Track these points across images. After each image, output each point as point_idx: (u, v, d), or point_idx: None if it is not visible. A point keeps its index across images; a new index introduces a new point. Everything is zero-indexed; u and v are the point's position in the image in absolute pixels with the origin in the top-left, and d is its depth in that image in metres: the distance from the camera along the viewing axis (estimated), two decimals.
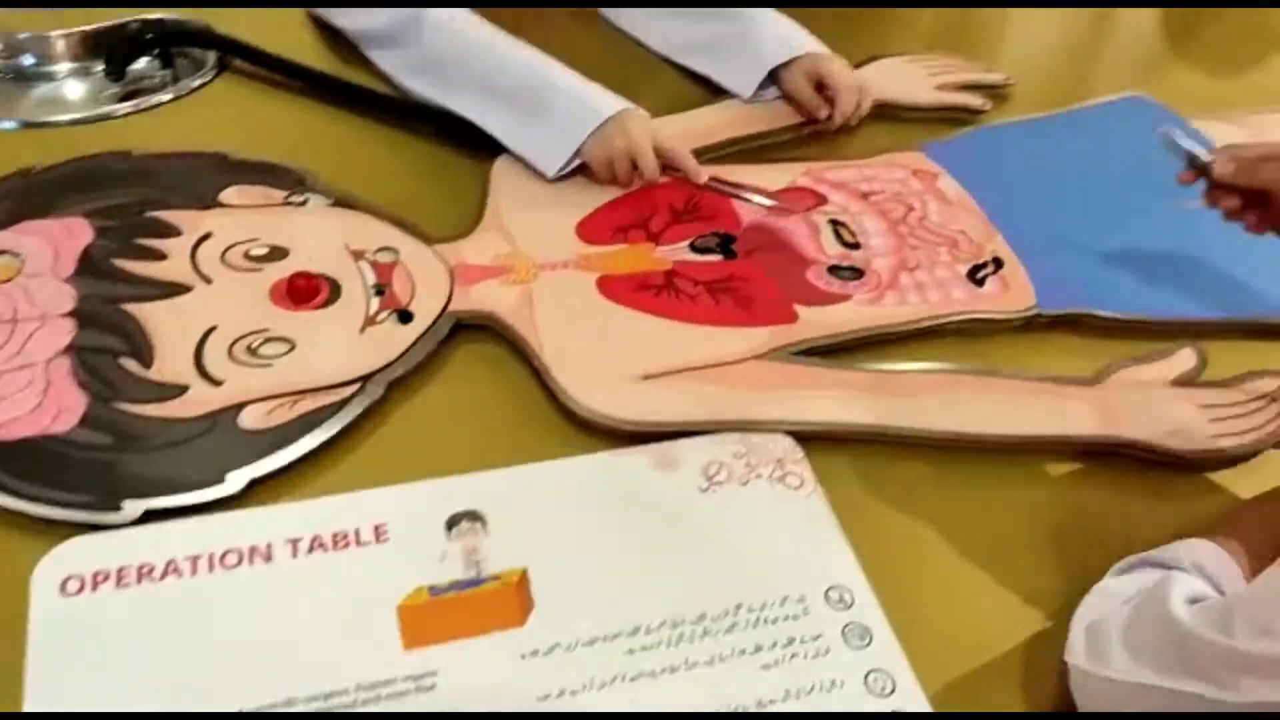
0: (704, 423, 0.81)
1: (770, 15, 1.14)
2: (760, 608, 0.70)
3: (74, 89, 1.11)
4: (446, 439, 0.80)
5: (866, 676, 0.67)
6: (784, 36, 1.12)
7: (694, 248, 0.96)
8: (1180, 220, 1.02)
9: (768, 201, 1.00)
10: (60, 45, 1.12)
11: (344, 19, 1.13)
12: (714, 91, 1.14)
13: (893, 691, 0.67)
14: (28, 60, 1.12)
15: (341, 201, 0.95)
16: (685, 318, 0.89)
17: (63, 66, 1.12)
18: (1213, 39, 1.42)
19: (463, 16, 1.05)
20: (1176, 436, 0.83)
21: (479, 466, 0.77)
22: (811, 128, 1.11)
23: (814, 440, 0.81)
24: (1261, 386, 0.88)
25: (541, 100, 0.98)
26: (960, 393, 0.85)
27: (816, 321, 0.90)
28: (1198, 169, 0.81)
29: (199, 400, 0.78)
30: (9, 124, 1.03)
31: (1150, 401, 0.86)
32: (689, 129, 1.07)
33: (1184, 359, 0.90)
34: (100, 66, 1.12)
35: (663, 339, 0.87)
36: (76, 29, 1.12)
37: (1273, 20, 1.45)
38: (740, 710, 0.65)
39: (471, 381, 0.84)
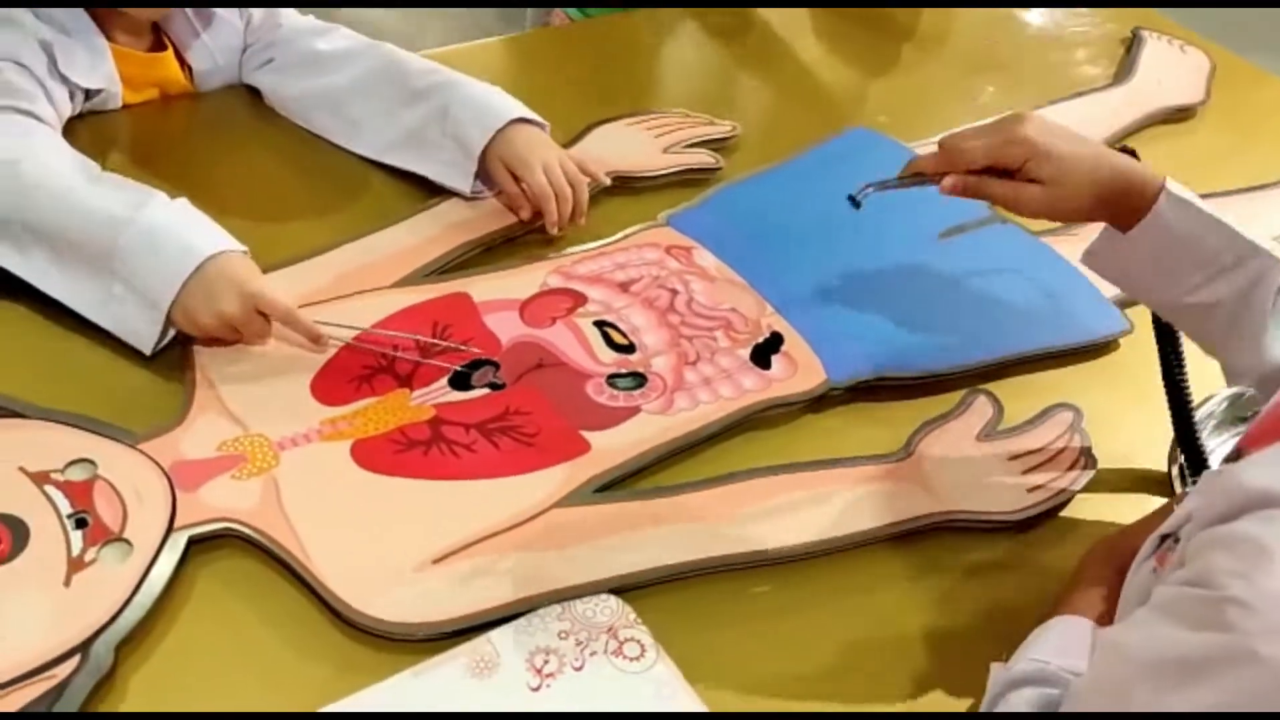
0: (514, 603, 0.69)
1: (470, 86, 1.01)
2: None
3: None
4: (207, 702, 0.64)
5: None
6: (483, 109, 0.99)
7: (455, 384, 0.84)
8: (941, 259, 1.01)
9: (392, 351, 0.85)
10: None
11: None
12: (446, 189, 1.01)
13: None
14: None
15: (4, 411, 0.76)
16: (465, 474, 0.77)
17: None
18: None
19: (25, 145, 0.84)
20: (998, 498, 0.80)
21: None
22: (526, 228, 1.00)
23: (638, 589, 0.71)
24: (1062, 420, 0.86)
25: (106, 258, 0.79)
26: (777, 500, 0.78)
27: (611, 447, 0.80)
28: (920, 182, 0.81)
29: None
30: None
31: (963, 465, 0.82)
32: (404, 249, 0.95)
33: (981, 409, 0.87)
34: None
35: (444, 508, 0.74)
36: None
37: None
38: None
39: (221, 615, 0.68)
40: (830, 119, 1.22)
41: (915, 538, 0.79)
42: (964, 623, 0.74)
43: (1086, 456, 0.84)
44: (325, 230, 0.96)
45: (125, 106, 1.00)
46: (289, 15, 1.09)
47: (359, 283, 0.91)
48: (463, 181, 0.99)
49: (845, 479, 0.81)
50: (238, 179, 1.01)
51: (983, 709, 0.65)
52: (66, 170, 0.84)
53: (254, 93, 1.09)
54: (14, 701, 0.61)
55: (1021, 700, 0.62)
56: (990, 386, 0.90)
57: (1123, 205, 0.76)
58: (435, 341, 0.86)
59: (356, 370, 0.83)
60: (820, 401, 0.88)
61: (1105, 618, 0.68)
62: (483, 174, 1.00)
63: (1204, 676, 0.49)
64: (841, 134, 1.18)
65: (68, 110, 0.95)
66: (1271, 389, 0.67)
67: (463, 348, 0.86)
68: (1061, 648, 0.65)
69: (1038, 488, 0.81)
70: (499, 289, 0.93)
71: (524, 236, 1.00)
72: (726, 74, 1.36)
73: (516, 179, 0.97)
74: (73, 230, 0.80)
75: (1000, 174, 0.78)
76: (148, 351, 0.80)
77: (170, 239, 0.80)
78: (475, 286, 0.93)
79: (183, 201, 0.83)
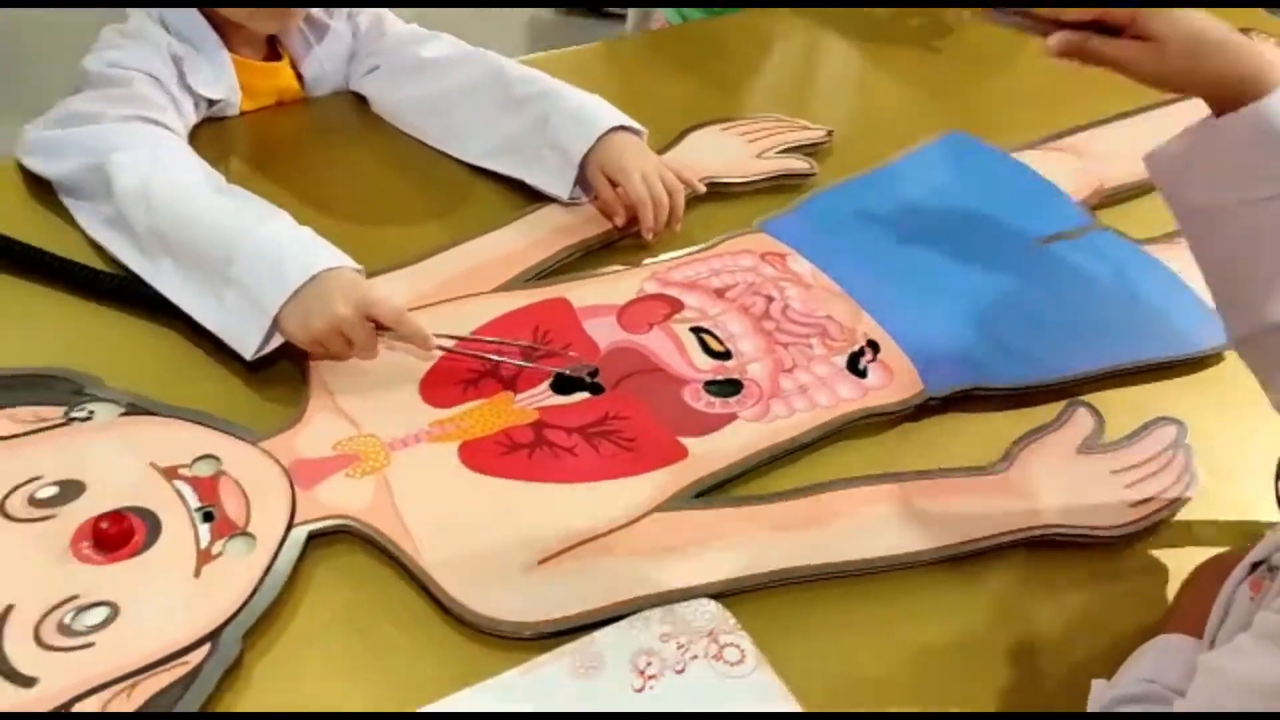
0: (618, 605, 0.71)
1: (570, 95, 1.04)
2: None
3: None
4: (325, 690, 0.67)
5: None
6: (582, 117, 1.01)
7: (556, 388, 0.86)
8: (1040, 267, 1.01)
9: (523, 363, 0.87)
10: None
11: (47, 166, 0.94)
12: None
13: None
14: None
15: (136, 408, 0.80)
16: (568, 477, 0.79)
17: None
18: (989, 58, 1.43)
19: (156, 159, 0.88)
20: (1098, 513, 0.80)
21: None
22: (622, 233, 1.01)
23: (735, 596, 0.73)
24: (1165, 435, 0.86)
25: (224, 266, 0.82)
26: (875, 509, 0.79)
27: (708, 454, 0.81)
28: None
29: (11, 713, 0.62)
30: None
31: (1063, 479, 0.82)
32: (505, 254, 0.97)
33: (1082, 421, 0.87)
34: None
35: (549, 510, 0.76)
36: None
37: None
38: None
39: (339, 607, 0.71)
40: (927, 124, 1.22)
41: (1013, 551, 0.79)
42: (1061, 637, 0.74)
43: (1190, 473, 0.83)
44: (429, 234, 0.99)
45: (243, 113, 1.05)
46: (394, 23, 1.12)
47: (463, 288, 0.94)
48: (562, 188, 1.02)
49: (943, 490, 0.81)
50: (346, 182, 1.04)
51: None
52: (194, 181, 0.89)
53: (361, 99, 1.13)
54: (149, 687, 0.64)
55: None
56: (1090, 398, 0.89)
57: (1229, 84, 0.70)
58: (537, 346, 0.88)
59: (463, 374, 0.86)
60: (917, 411, 0.88)
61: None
62: (581, 180, 1.02)
63: None
64: (939, 138, 1.18)
65: (192, 119, 0.99)
66: None
67: (564, 353, 0.88)
68: (1165, 667, 0.65)
69: (1140, 503, 0.81)
70: (597, 294, 0.95)
71: (620, 242, 1.02)
72: (821, 77, 1.36)
73: (614, 185, 0.99)
74: (197, 239, 0.84)
75: (1108, 32, 0.73)
76: (249, 356, 0.82)
77: (290, 251, 0.83)
78: (573, 292, 0.95)
79: (307, 229, 0.86)
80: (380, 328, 0.83)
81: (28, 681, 0.64)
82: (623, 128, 1.02)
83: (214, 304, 0.83)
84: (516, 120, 1.04)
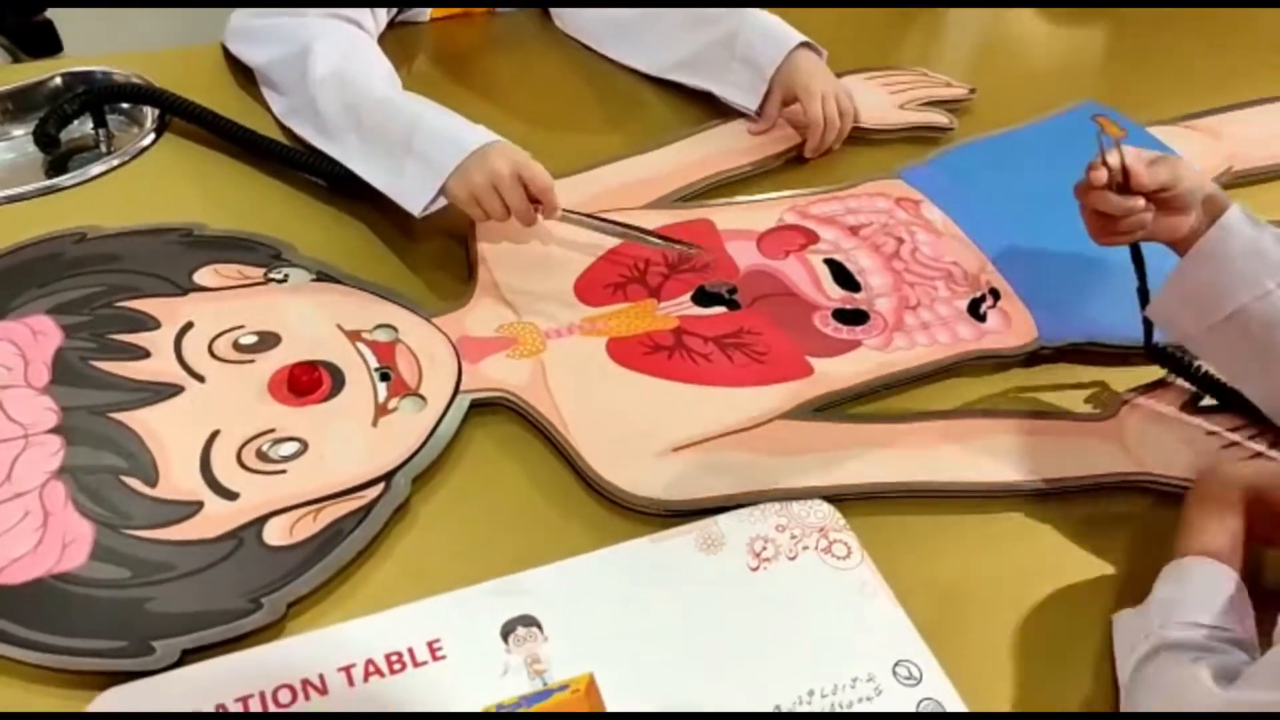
0: (739, 495, 0.79)
1: (757, 13, 1.11)
2: (833, 691, 0.69)
3: None
4: (480, 535, 0.77)
5: None
6: (772, 34, 1.09)
7: (696, 299, 0.93)
8: None
9: (658, 241, 0.95)
10: None
11: (250, 52, 1.06)
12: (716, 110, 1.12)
13: None
14: None
15: (324, 275, 0.90)
16: (703, 380, 0.87)
17: None
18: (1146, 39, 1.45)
19: (350, 53, 0.99)
20: (1192, 467, 0.85)
21: (519, 563, 0.74)
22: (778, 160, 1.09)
23: (847, 500, 0.80)
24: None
25: (406, 140, 0.92)
26: (981, 440, 0.86)
27: (832, 374, 0.89)
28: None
29: (216, 518, 0.73)
30: None
31: (1165, 433, 0.87)
32: (657, 174, 1.05)
33: (1184, 386, 0.92)
34: (20, 130, 1.04)
35: (684, 407, 0.85)
36: None
37: (1207, 22, 1.47)
38: None
39: (494, 468, 0.81)
40: (1066, 92, 1.25)
41: (1109, 493, 0.85)
42: (1140, 575, 0.80)
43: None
44: (602, 145, 1.08)
45: (432, 20, 1.13)
46: None
47: (615, 202, 1.01)
48: (753, 100, 1.10)
49: (1048, 430, 0.87)
50: (525, 91, 1.14)
51: (1130, 667, 0.70)
52: (381, 74, 0.98)
53: (544, 14, 1.21)
54: (331, 512, 0.75)
55: (1200, 673, 0.65)
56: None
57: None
58: (683, 243, 0.95)
59: (613, 277, 0.94)
60: (1030, 359, 0.94)
61: (1234, 557, 0.73)
62: None
63: None
64: (1074, 107, 1.22)
65: (384, 20, 1.08)
66: None
67: (700, 252, 0.96)
68: (1208, 601, 0.70)
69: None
70: (739, 219, 1.02)
71: (766, 173, 1.09)
72: (967, 36, 1.40)
73: (789, 102, 1.07)
74: (383, 118, 0.94)
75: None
76: (417, 213, 0.91)
77: (462, 129, 0.92)
78: (718, 215, 1.02)
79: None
80: (531, 200, 0.91)
81: (231, 495, 0.74)
82: (807, 44, 1.08)
83: (394, 172, 0.92)
84: (704, 35, 1.12)
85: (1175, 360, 0.90)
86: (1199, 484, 0.79)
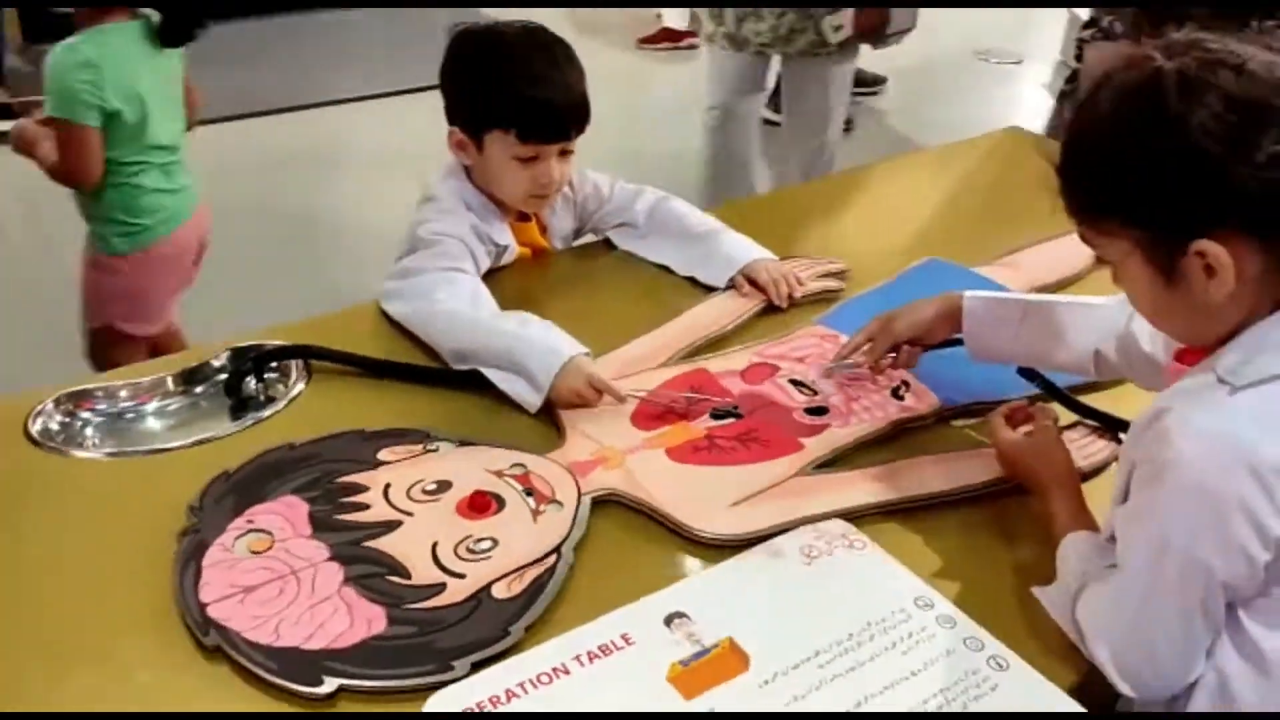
0: (785, 524, 1.20)
1: (728, 232, 1.68)
2: (881, 621, 1.09)
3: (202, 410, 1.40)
4: (623, 572, 1.15)
5: (965, 641, 1.07)
6: (740, 246, 1.66)
7: (714, 416, 1.36)
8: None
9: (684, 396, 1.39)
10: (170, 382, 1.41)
11: (391, 307, 1.51)
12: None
13: (982, 647, 1.06)
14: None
15: (465, 442, 1.29)
16: (734, 462, 1.29)
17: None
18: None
19: (468, 298, 1.46)
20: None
21: (652, 586, 1.12)
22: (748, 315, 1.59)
23: (853, 517, 1.22)
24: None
25: (518, 358, 1.36)
26: (924, 470, 1.30)
27: (816, 447, 1.32)
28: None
29: (457, 590, 1.09)
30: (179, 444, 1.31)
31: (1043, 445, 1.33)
32: (663, 343, 1.50)
33: (1047, 412, 1.38)
34: (199, 389, 1.41)
35: (729, 480, 1.26)
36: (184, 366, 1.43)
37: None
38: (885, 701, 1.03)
39: (617, 535, 1.20)
40: (913, 251, 1.78)
41: (1012, 492, 1.29)
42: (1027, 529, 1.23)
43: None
44: (630, 328, 1.53)
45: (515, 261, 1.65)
46: (604, 184, 1.73)
47: (636, 367, 1.45)
48: (723, 280, 1.64)
49: (963, 456, 1.32)
50: (580, 300, 1.61)
51: (1069, 607, 1.10)
52: (483, 309, 1.45)
53: (589, 248, 1.75)
54: (531, 574, 1.11)
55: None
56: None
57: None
58: (695, 395, 1.39)
59: (654, 413, 1.37)
60: (940, 419, 1.39)
61: (1090, 522, 1.17)
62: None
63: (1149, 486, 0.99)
64: (921, 263, 1.73)
65: (484, 266, 1.57)
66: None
67: (713, 399, 1.39)
68: (1087, 556, 1.12)
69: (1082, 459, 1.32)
70: (724, 365, 1.47)
71: (734, 333, 1.55)
72: (844, 223, 1.94)
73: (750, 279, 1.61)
74: (488, 346, 1.38)
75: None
76: (533, 411, 1.36)
77: (546, 345, 1.36)
78: (709, 364, 1.47)
79: (547, 321, 1.40)
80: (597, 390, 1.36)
81: (460, 575, 1.11)
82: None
83: (513, 383, 1.36)
84: (698, 249, 1.67)
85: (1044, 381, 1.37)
86: (1054, 487, 1.23)
